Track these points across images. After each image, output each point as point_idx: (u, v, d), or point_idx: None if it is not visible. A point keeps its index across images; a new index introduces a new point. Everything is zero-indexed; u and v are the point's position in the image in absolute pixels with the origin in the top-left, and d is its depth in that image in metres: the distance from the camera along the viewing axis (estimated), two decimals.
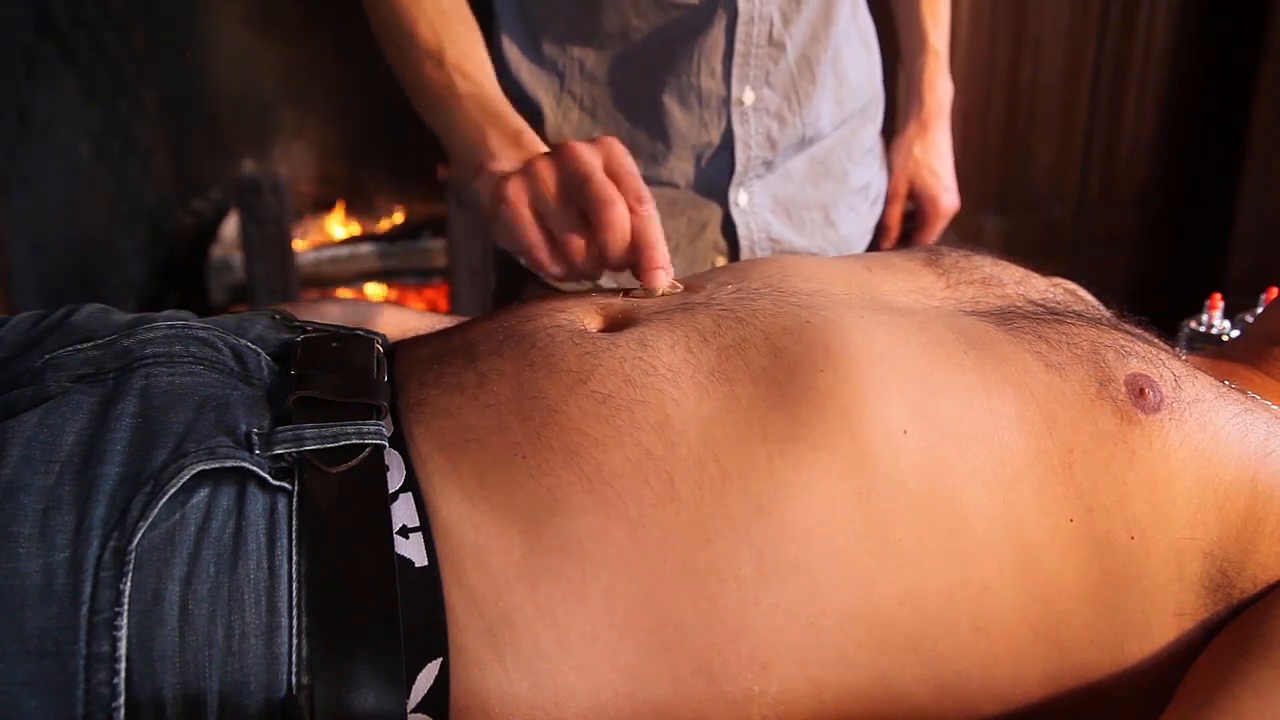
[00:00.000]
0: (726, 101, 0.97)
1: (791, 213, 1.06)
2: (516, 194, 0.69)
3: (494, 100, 0.82)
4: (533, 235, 0.69)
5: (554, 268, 0.70)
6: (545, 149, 0.76)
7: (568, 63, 0.98)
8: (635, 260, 0.67)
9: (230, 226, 2.43)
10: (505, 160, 0.76)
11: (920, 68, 1.18)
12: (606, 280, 0.72)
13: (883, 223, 1.20)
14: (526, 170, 0.69)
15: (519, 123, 0.80)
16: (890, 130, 1.19)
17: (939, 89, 1.18)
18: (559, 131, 1.00)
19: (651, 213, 0.66)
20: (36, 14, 1.88)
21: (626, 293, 0.66)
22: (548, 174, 0.68)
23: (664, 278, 0.66)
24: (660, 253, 0.66)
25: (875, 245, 1.19)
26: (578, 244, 0.68)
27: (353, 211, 2.63)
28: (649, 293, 0.65)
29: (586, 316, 0.63)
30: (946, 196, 1.18)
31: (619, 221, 0.65)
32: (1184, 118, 2.38)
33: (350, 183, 2.63)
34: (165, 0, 2.38)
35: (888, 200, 1.19)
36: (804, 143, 1.04)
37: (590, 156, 0.67)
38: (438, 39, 0.83)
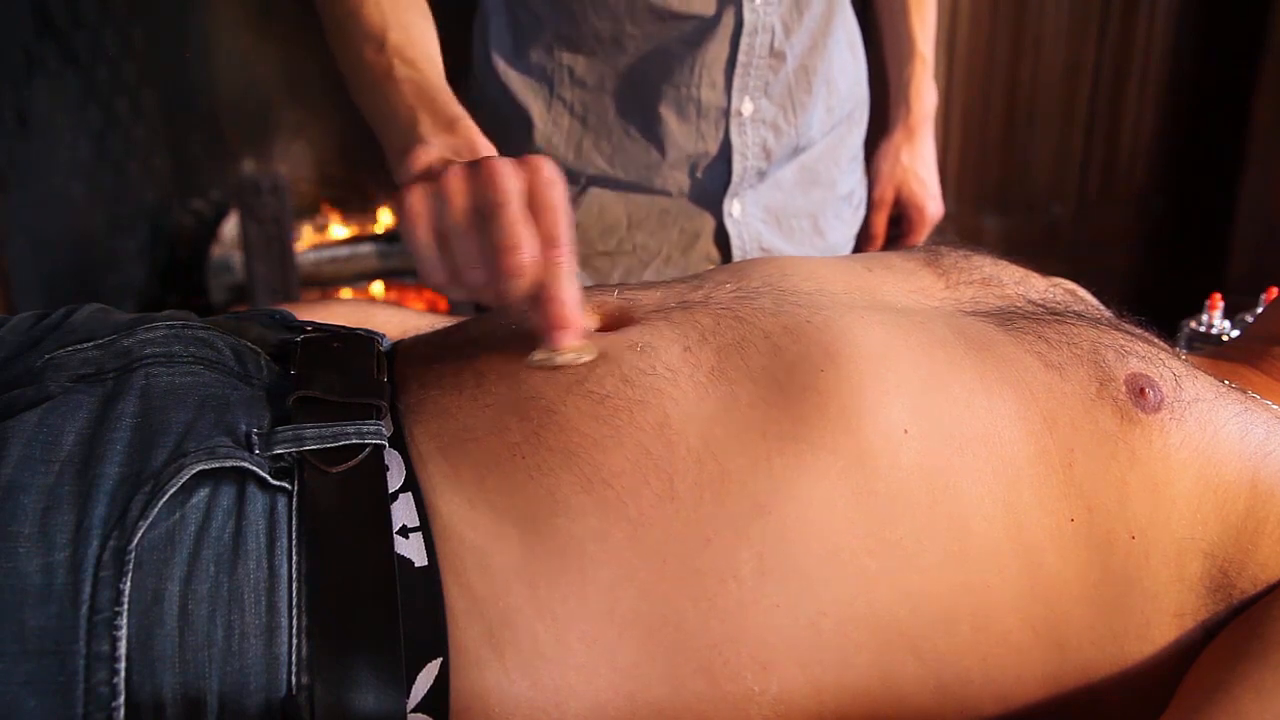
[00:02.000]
0: (726, 112, 0.97)
1: (782, 221, 1.06)
2: (416, 207, 0.60)
3: (432, 87, 0.74)
4: (427, 255, 0.60)
5: (451, 293, 0.62)
6: (478, 140, 0.70)
7: (556, 69, 0.97)
8: (538, 308, 0.58)
9: (230, 226, 2.43)
10: (435, 146, 0.69)
11: (909, 74, 1.17)
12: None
13: (868, 230, 1.20)
14: (436, 181, 0.60)
15: (456, 110, 0.72)
16: (871, 136, 1.19)
17: (925, 95, 1.17)
18: (549, 139, 0.99)
19: (561, 260, 0.57)
20: (36, 14, 1.88)
21: (526, 359, 0.58)
22: (458, 191, 0.59)
23: (567, 338, 0.57)
24: (565, 309, 0.57)
25: (858, 252, 1.19)
26: (475, 277, 0.58)
27: (352, 211, 2.63)
28: (546, 358, 0.57)
29: (584, 315, 0.62)
30: (932, 204, 1.18)
31: (520, 269, 0.56)
32: (1184, 118, 2.38)
33: (350, 183, 2.63)
34: (165, 0, 2.38)
35: (874, 207, 1.19)
36: (795, 151, 1.04)
37: (508, 180, 0.57)
38: (383, 22, 0.77)
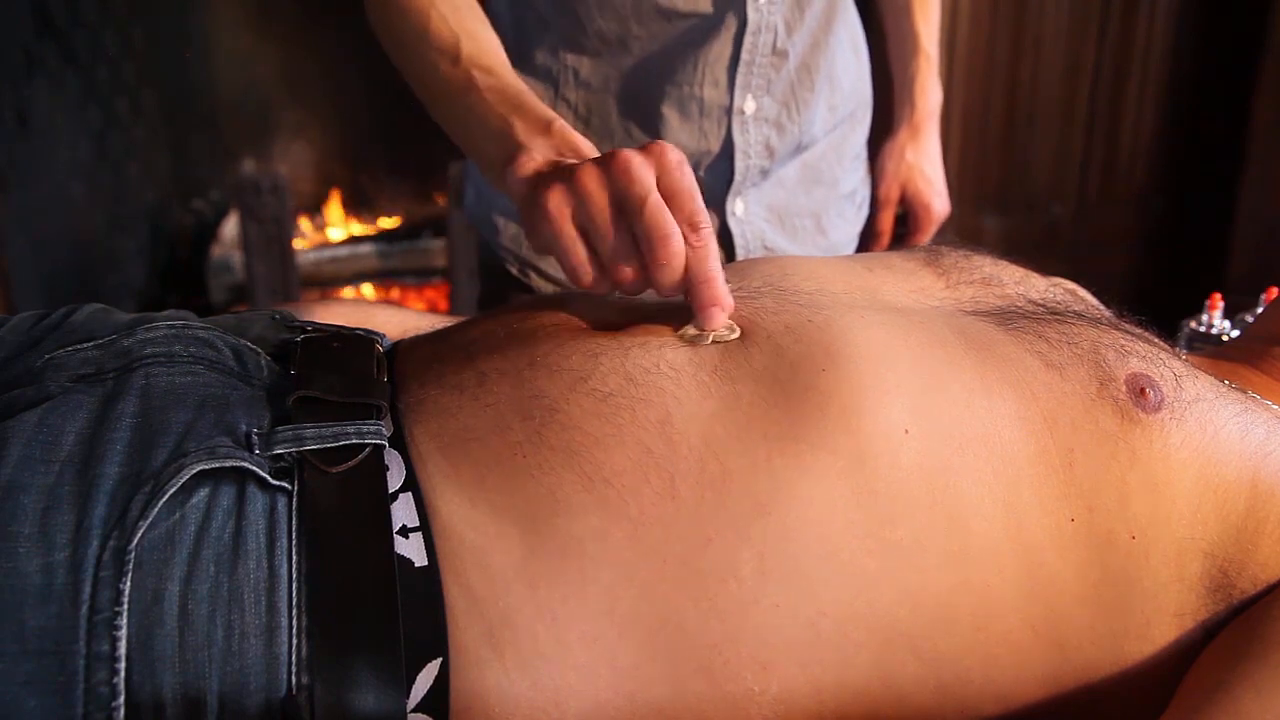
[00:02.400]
0: (728, 111, 0.97)
1: (785, 220, 1.06)
2: (559, 208, 0.61)
3: (517, 91, 0.75)
4: (577, 256, 0.61)
5: (598, 289, 0.63)
6: (578, 139, 0.70)
7: (561, 70, 0.97)
8: (688, 291, 0.60)
9: (230, 226, 2.43)
10: (536, 150, 0.69)
11: (913, 71, 1.16)
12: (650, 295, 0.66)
13: (873, 228, 1.20)
14: (571, 180, 0.61)
15: (546, 111, 0.72)
16: (875, 134, 1.19)
17: (930, 93, 1.17)
18: None
19: (708, 242, 0.59)
20: (36, 14, 1.88)
21: (677, 332, 0.60)
22: (596, 189, 0.60)
23: (720, 316, 0.59)
24: (717, 289, 0.59)
25: (863, 250, 1.19)
26: (627, 272, 0.60)
27: (353, 211, 2.63)
28: (699, 336, 0.59)
29: (587, 314, 0.62)
30: (938, 202, 1.18)
31: (675, 257, 0.58)
32: (1184, 118, 2.38)
33: (350, 183, 2.64)
34: (165, 0, 2.38)
35: (879, 205, 1.18)
36: (798, 149, 1.04)
37: (644, 173, 0.59)
38: (453, 34, 0.77)
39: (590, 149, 0.69)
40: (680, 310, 0.60)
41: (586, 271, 0.62)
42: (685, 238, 0.59)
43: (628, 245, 0.60)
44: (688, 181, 0.60)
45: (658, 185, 0.59)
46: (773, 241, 1.05)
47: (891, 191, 1.18)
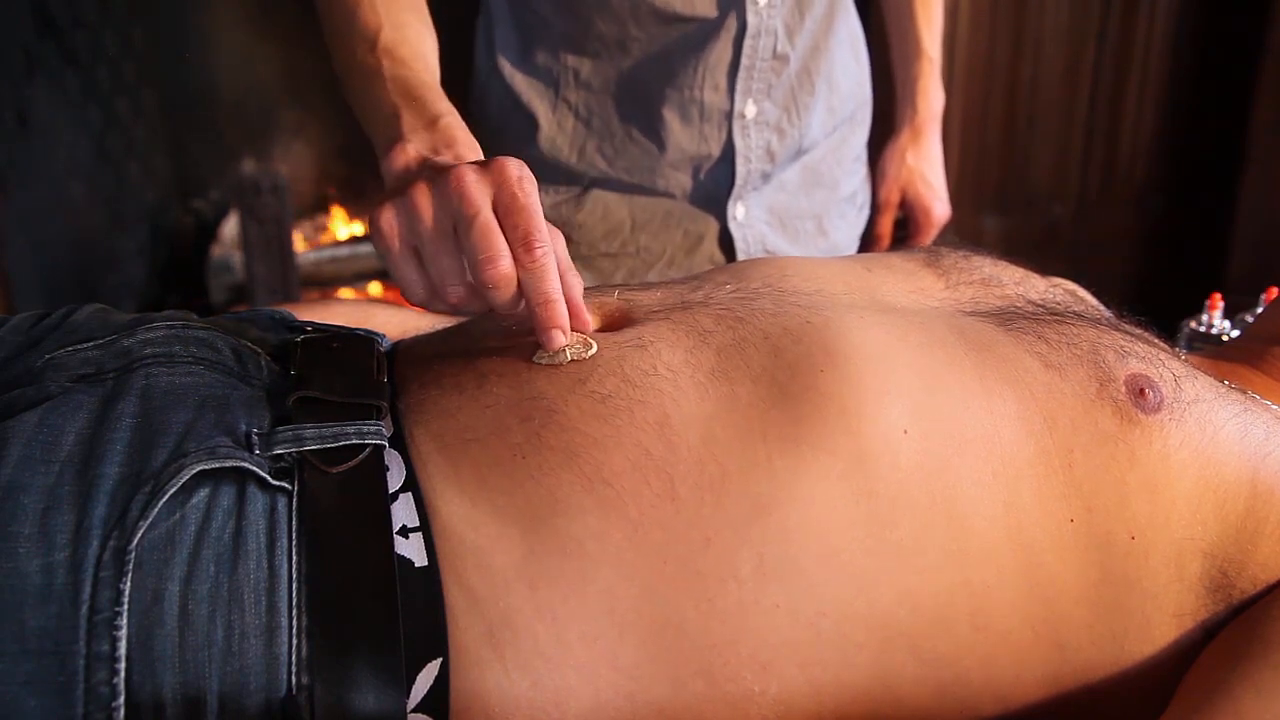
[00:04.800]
0: (729, 115, 0.97)
1: (786, 223, 1.06)
2: (390, 225, 0.59)
3: (419, 84, 0.73)
4: (407, 276, 0.60)
5: (431, 309, 0.62)
6: (459, 137, 0.69)
7: (561, 71, 0.97)
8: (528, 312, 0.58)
9: (230, 226, 2.43)
10: (413, 143, 0.68)
11: (915, 74, 1.16)
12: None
13: (873, 231, 1.19)
14: (404, 199, 0.59)
15: (440, 107, 0.71)
16: (876, 137, 1.19)
17: (932, 96, 1.16)
18: (553, 141, 0.99)
19: (543, 262, 0.56)
20: (36, 14, 1.88)
21: (532, 358, 0.57)
22: (426, 208, 0.58)
23: (560, 338, 0.56)
24: (553, 311, 0.57)
25: (864, 253, 1.19)
26: (456, 292, 0.59)
27: (353, 211, 2.63)
28: (553, 356, 0.57)
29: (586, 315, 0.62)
30: (939, 205, 1.17)
31: (502, 279, 0.56)
32: (1184, 118, 2.38)
33: (350, 183, 2.63)
34: (165, 0, 2.38)
35: (880, 208, 1.18)
36: (798, 152, 1.04)
37: (476, 190, 0.57)
38: (377, 22, 0.76)
39: (472, 149, 0.68)
40: (675, 311, 0.60)
41: (416, 291, 0.61)
42: (518, 258, 0.56)
43: (456, 266, 0.58)
44: (526, 198, 0.57)
45: (495, 201, 0.57)
46: (773, 244, 1.05)
47: (892, 195, 1.17)
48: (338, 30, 0.79)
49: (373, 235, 0.61)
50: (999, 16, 2.26)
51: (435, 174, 0.59)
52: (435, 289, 0.60)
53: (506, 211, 0.57)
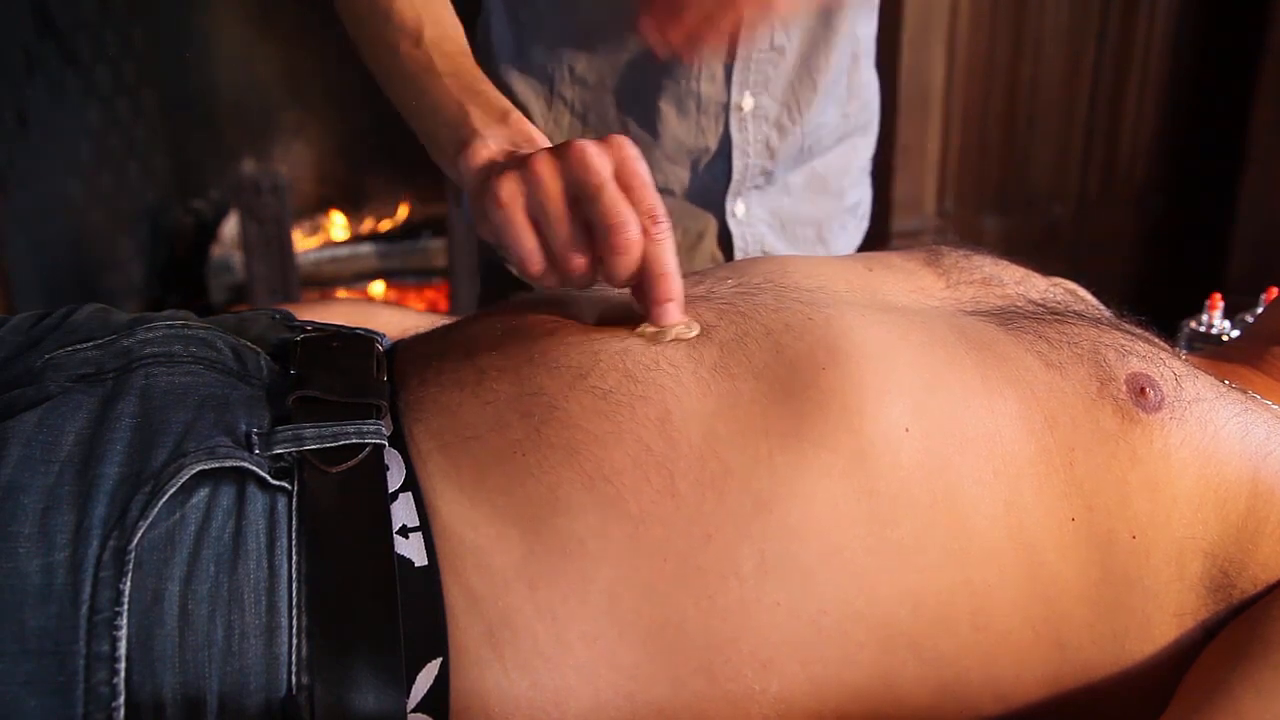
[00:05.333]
0: (726, 107, 0.97)
1: (786, 227, 1.06)
2: (510, 195, 0.60)
3: (476, 79, 0.74)
4: (527, 245, 0.60)
5: (547, 280, 0.62)
6: (533, 131, 0.69)
7: (557, 67, 0.97)
8: (644, 284, 0.59)
9: (230, 226, 2.43)
10: (491, 138, 0.68)
11: None
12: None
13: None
14: (524, 168, 0.60)
15: (504, 102, 0.72)
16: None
17: None
18: (549, 138, 0.99)
19: (666, 235, 0.58)
20: (36, 14, 1.88)
21: (635, 331, 0.58)
22: (550, 177, 0.59)
23: (675, 312, 0.58)
24: (672, 284, 0.58)
25: None
26: (579, 262, 0.59)
27: (353, 211, 2.63)
28: (657, 332, 0.58)
29: (587, 311, 0.62)
30: None
31: (632, 245, 0.57)
32: (1184, 118, 2.38)
33: (350, 183, 2.63)
34: (165, 0, 2.38)
35: None
36: (804, 154, 1.04)
37: (600, 162, 0.58)
38: (417, 18, 0.76)
39: (545, 142, 0.69)
40: (685, 308, 0.60)
41: (536, 261, 0.61)
42: (644, 228, 0.58)
43: (580, 235, 0.59)
44: (645, 172, 0.59)
45: (615, 176, 0.58)
46: (771, 246, 1.05)
47: None
48: (371, 24, 0.78)
49: (487, 207, 0.61)
50: (999, 16, 2.26)
51: (555, 148, 0.60)
52: (555, 258, 0.60)
53: (629, 185, 0.58)
